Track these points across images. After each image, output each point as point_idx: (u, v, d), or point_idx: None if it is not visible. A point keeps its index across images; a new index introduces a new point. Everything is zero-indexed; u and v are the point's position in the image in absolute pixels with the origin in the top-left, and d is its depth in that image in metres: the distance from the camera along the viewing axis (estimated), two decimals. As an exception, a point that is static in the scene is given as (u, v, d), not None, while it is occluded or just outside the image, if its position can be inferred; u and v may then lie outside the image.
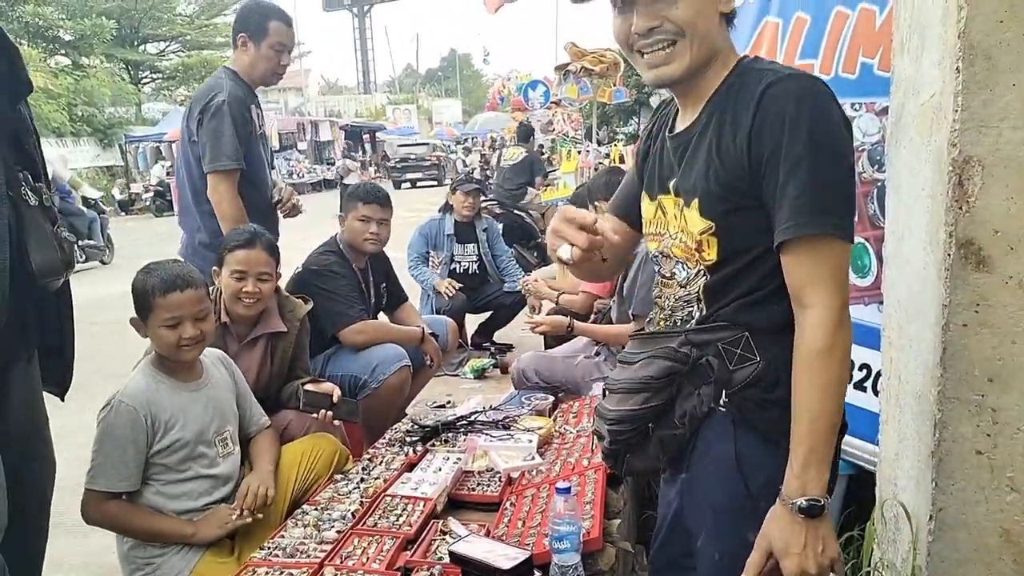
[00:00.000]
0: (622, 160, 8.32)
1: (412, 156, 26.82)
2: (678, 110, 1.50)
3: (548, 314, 4.39)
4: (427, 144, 28.59)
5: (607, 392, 1.55)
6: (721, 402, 1.39)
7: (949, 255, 1.56)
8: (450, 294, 5.10)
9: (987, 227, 1.52)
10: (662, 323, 1.53)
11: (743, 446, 1.38)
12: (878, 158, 2.33)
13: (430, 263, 5.30)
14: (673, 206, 1.46)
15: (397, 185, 25.52)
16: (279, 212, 3.47)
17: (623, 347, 1.64)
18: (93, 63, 26.33)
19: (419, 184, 26.03)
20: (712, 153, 1.36)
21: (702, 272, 1.41)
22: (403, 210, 13.58)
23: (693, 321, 1.44)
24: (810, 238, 1.26)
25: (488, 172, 16.34)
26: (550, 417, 3.02)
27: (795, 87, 1.29)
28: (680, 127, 1.47)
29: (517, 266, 5.71)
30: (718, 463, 1.41)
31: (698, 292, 1.42)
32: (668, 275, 1.50)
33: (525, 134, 10.90)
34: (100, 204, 12.53)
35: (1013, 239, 1.51)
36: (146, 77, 31.52)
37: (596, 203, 3.50)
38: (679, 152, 1.45)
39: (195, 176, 3.22)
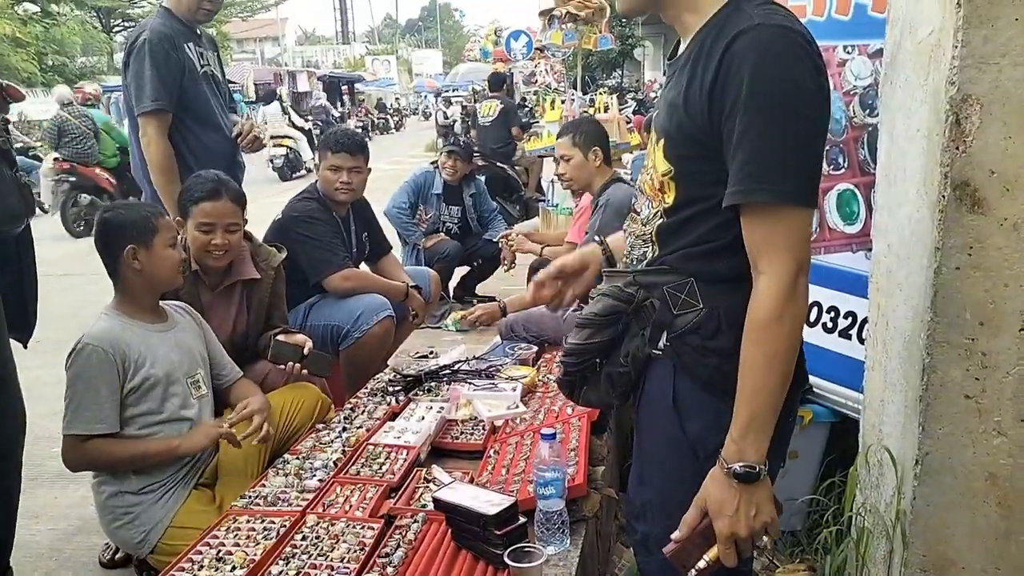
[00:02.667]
0: (606, 109, 8.19)
1: None
2: (679, 40, 1.44)
3: (532, 267, 4.36)
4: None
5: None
6: (661, 345, 1.38)
7: (943, 197, 1.53)
8: (438, 241, 5.07)
9: (983, 167, 1.49)
10: (624, 259, 1.52)
11: (681, 390, 1.37)
12: (870, 102, 2.29)
13: (417, 216, 5.23)
14: (652, 141, 1.42)
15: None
16: (240, 146, 3.35)
17: None
18: (63, 10, 25.55)
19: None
20: (679, 98, 1.31)
21: (660, 213, 1.38)
22: (383, 162, 13.42)
23: (646, 262, 1.42)
24: (760, 205, 1.21)
25: (469, 123, 16.00)
26: (534, 366, 3.01)
27: (759, 40, 1.20)
28: (677, 55, 1.41)
29: (502, 220, 5.65)
30: (658, 404, 1.41)
31: (652, 233, 1.40)
32: (637, 210, 1.49)
33: (498, 82, 10.56)
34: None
35: (1009, 180, 1.48)
36: (118, 25, 30.60)
37: (593, 149, 3.44)
38: (666, 83, 1.41)
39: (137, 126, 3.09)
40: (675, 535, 1.32)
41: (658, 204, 1.39)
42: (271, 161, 14.51)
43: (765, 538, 1.27)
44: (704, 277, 1.33)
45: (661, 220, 1.38)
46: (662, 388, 1.40)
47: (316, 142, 13.88)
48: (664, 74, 1.48)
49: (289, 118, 16.19)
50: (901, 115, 1.77)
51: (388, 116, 30.92)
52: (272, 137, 13.58)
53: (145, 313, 2.30)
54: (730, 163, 1.23)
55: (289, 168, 14.73)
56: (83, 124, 9.28)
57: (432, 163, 5.42)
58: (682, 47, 1.40)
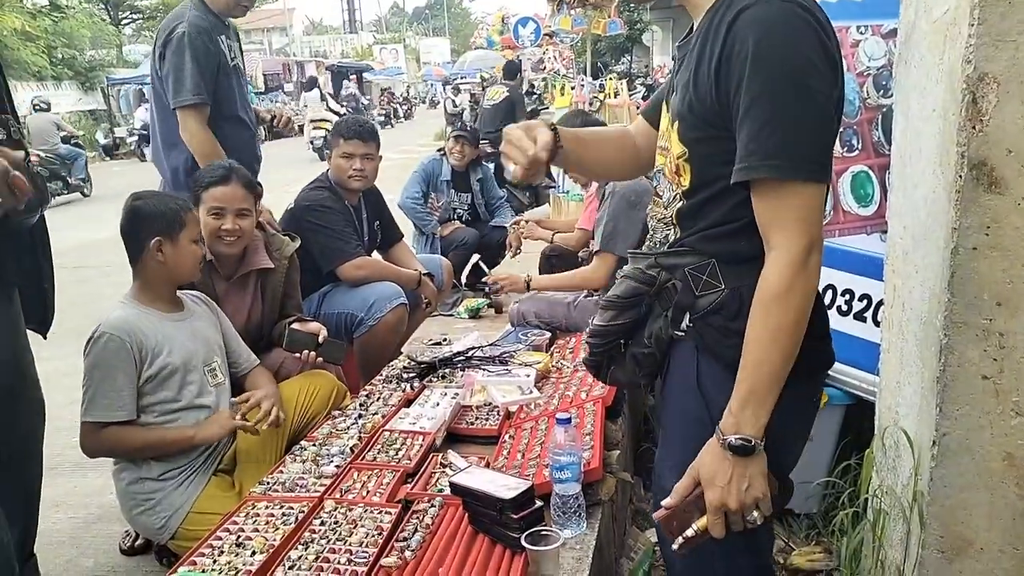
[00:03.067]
0: (616, 95, 8.15)
1: None
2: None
3: (543, 254, 4.36)
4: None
5: None
6: (683, 326, 1.38)
7: (960, 176, 1.51)
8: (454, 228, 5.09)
9: (1000, 147, 1.47)
10: (648, 242, 1.54)
11: (704, 371, 1.37)
12: (884, 83, 2.27)
13: (429, 204, 5.23)
14: (667, 123, 1.43)
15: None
16: (277, 126, 3.49)
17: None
18: (71, 3, 25.58)
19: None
20: (691, 79, 1.31)
21: (679, 196, 1.39)
22: (393, 151, 13.45)
23: (667, 245, 1.43)
24: (767, 180, 1.21)
25: (477, 111, 16.02)
26: (547, 352, 3.01)
27: (763, 14, 1.19)
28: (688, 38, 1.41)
29: (509, 207, 5.65)
30: (682, 385, 1.42)
31: (673, 216, 1.41)
32: (659, 193, 1.49)
33: (512, 71, 10.58)
34: (80, 142, 13.60)
35: (1027, 159, 1.46)
36: (126, 18, 30.59)
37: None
38: (677, 65, 1.41)
39: (166, 114, 3.09)
40: (666, 502, 1.33)
41: (676, 187, 1.39)
42: (311, 142, 15.53)
43: (755, 513, 1.27)
44: (725, 258, 1.33)
45: (680, 203, 1.38)
46: (686, 369, 1.40)
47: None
48: (673, 58, 1.48)
49: (327, 103, 17.48)
50: (916, 95, 1.76)
51: (398, 105, 30.90)
52: (311, 120, 15.19)
53: (163, 302, 2.32)
54: (738, 140, 1.22)
55: (327, 147, 15.43)
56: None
57: (439, 150, 5.42)
58: (694, 29, 1.38)
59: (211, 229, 2.60)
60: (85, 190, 12.65)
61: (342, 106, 18.97)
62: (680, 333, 1.39)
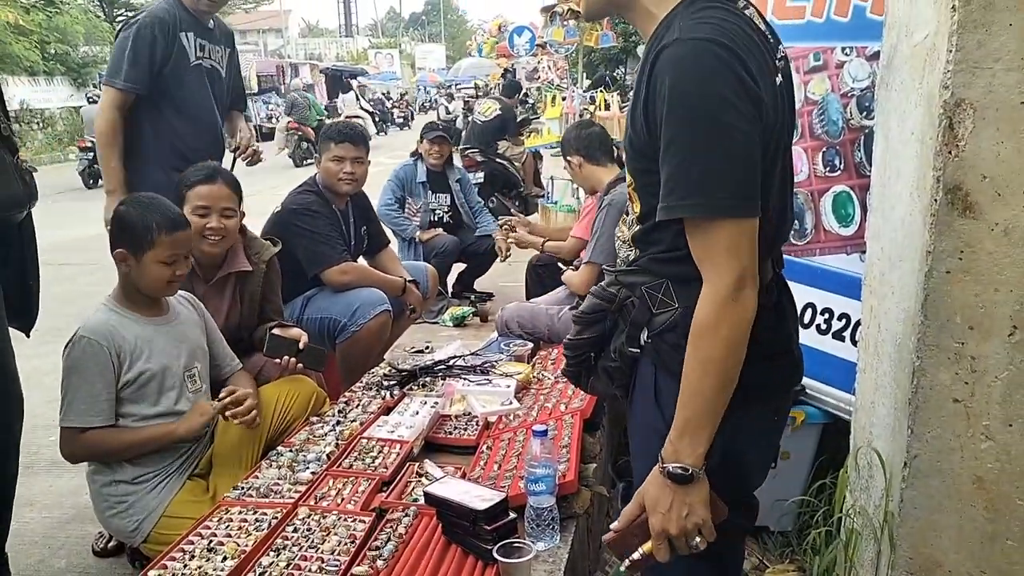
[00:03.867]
0: (607, 106, 8.18)
1: None
2: None
3: (531, 263, 4.37)
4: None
5: None
6: (641, 342, 1.41)
7: (936, 200, 1.53)
8: (435, 235, 5.08)
9: (975, 172, 1.50)
10: (617, 260, 1.56)
11: (663, 387, 1.39)
12: (867, 104, 2.29)
13: (407, 210, 5.23)
14: None
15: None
16: (239, 159, 3.39)
17: None
18: (65, -1, 25.51)
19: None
20: (629, 111, 1.35)
21: (635, 220, 1.42)
22: (384, 156, 13.44)
23: (626, 264, 1.48)
24: (691, 218, 1.23)
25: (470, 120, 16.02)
26: (529, 363, 3.02)
27: (676, 54, 1.21)
28: None
29: (490, 215, 5.65)
30: (645, 400, 1.44)
31: (631, 238, 1.45)
32: (627, 212, 1.51)
33: (512, 89, 10.55)
34: None
35: (1001, 185, 1.48)
36: (120, 14, 30.51)
37: (569, 158, 3.48)
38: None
39: None
40: (614, 525, 1.36)
41: (632, 212, 1.43)
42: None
43: (698, 539, 1.29)
44: (677, 278, 1.34)
45: (636, 227, 1.41)
46: (646, 384, 1.43)
47: (376, 124, 21.17)
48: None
49: (360, 103, 21.16)
50: (896, 118, 1.78)
51: (392, 109, 30.89)
52: (347, 116, 17.93)
53: (144, 306, 2.29)
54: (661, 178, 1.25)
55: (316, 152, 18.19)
56: (303, 101, 16.74)
57: (412, 154, 5.41)
58: None
59: (196, 228, 2.57)
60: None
61: (371, 104, 23.58)
62: (635, 350, 1.41)
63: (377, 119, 21.55)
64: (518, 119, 8.97)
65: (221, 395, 2.28)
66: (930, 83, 1.57)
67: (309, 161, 14.92)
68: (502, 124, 8.74)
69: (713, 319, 1.22)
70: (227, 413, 2.24)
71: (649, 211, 1.33)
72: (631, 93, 1.40)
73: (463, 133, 10.07)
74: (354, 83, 24.09)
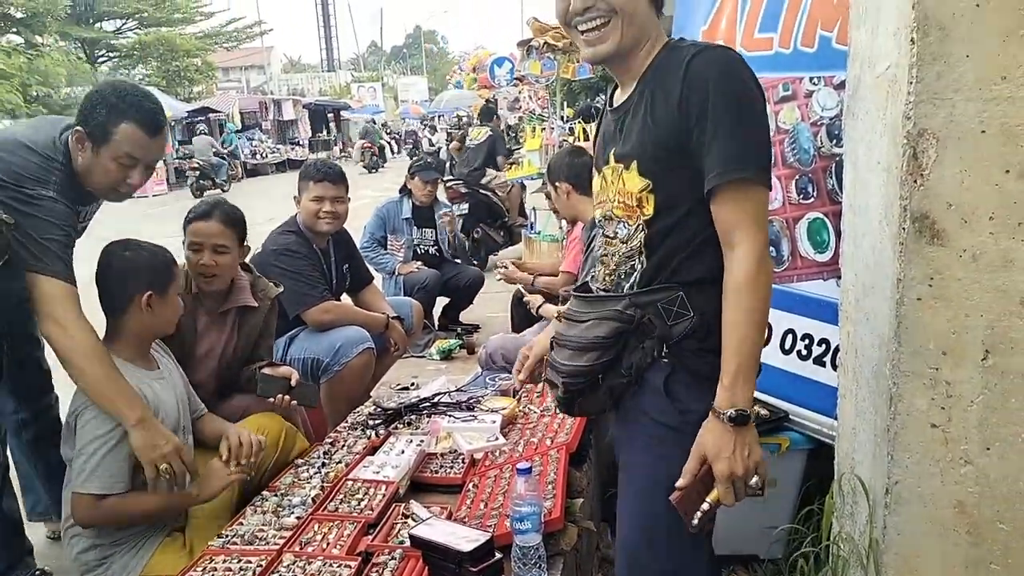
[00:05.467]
0: (586, 136, 8.24)
1: None
2: (616, 87, 1.69)
3: (515, 297, 4.37)
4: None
5: (556, 345, 1.72)
6: (662, 353, 1.56)
7: (904, 229, 1.55)
8: (414, 270, 5.09)
9: (941, 200, 1.52)
10: (606, 279, 1.68)
11: (676, 384, 1.57)
12: (836, 132, 2.32)
13: (389, 246, 5.24)
14: (611, 172, 1.63)
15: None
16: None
17: None
18: (47, 42, 25.60)
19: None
20: (647, 120, 1.53)
21: (641, 227, 1.57)
22: (370, 190, 13.44)
23: (636, 274, 1.59)
24: (735, 183, 1.44)
25: (462, 149, 16.18)
26: (514, 397, 3.01)
27: (712, 56, 1.48)
28: (618, 102, 1.65)
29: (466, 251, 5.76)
30: (653, 398, 1.60)
31: (639, 245, 1.58)
32: (612, 235, 1.66)
33: (488, 114, 10.81)
34: (224, 156, 19.50)
35: (967, 212, 1.51)
36: (102, 56, 30.68)
37: (557, 184, 3.46)
38: (618, 123, 1.63)
39: None
40: (679, 483, 1.48)
41: (636, 219, 1.58)
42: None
43: (756, 478, 1.45)
44: (692, 285, 1.54)
45: (644, 232, 1.57)
46: (655, 387, 1.59)
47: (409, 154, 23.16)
48: (600, 121, 1.78)
49: (215, 147, 19.90)
50: (863, 147, 1.81)
51: (383, 144, 31.18)
52: (198, 165, 18.06)
53: (142, 358, 2.26)
54: (707, 155, 1.45)
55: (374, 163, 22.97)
56: (372, 128, 24.74)
57: (401, 189, 5.44)
58: (620, 94, 1.64)
59: (191, 263, 2.63)
60: (224, 187, 17.98)
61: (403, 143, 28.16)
62: (663, 359, 1.56)
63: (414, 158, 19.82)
64: (506, 145, 9.13)
65: (222, 455, 2.25)
66: (893, 113, 1.59)
67: (377, 169, 22.45)
68: (492, 142, 8.89)
69: (753, 273, 1.43)
70: (240, 464, 2.23)
71: (667, 207, 1.53)
72: (640, 105, 1.56)
73: (447, 164, 10.19)
74: (203, 126, 21.36)
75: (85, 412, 2.11)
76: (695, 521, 1.47)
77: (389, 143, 27.75)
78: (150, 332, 2.28)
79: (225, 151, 20.49)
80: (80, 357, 2.09)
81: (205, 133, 20.54)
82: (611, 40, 1.54)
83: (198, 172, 17.70)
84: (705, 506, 1.46)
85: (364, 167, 22.34)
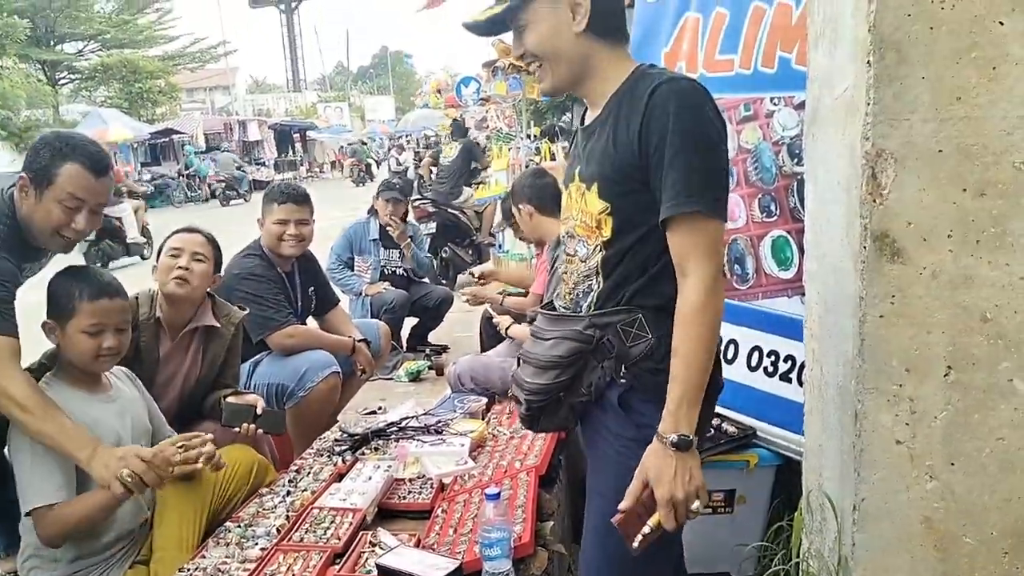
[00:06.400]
0: (552, 156, 8.30)
1: None
2: (587, 107, 1.74)
3: (484, 316, 4.35)
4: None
5: (521, 362, 1.75)
6: (621, 373, 1.60)
7: (864, 247, 1.57)
8: (382, 291, 5.06)
9: (900, 219, 1.54)
10: (567, 296, 1.72)
11: (635, 403, 1.61)
12: (797, 152, 2.35)
13: (356, 268, 5.20)
14: (576, 190, 1.68)
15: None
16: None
17: None
18: (6, 64, 25.17)
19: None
20: (609, 144, 1.57)
21: (599, 247, 1.61)
22: (339, 210, 13.40)
23: (593, 294, 1.64)
24: (688, 216, 1.48)
25: (420, 171, 16.23)
26: (483, 419, 2.99)
27: (676, 88, 1.51)
28: (588, 120, 1.70)
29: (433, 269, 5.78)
30: (614, 416, 1.64)
31: (596, 265, 1.62)
32: (571, 252, 1.71)
33: (461, 130, 10.88)
34: (245, 169, 21.71)
35: (926, 230, 1.52)
36: (64, 77, 30.22)
37: (520, 206, 3.47)
38: (586, 142, 1.68)
39: None
40: (621, 506, 1.50)
41: (595, 240, 1.62)
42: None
43: (696, 503, 1.47)
44: (649, 310, 1.57)
45: (602, 253, 1.61)
46: (613, 405, 1.63)
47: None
48: (572, 140, 1.86)
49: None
50: (823, 167, 1.83)
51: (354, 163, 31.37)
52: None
53: (87, 382, 2.22)
54: (662, 186, 1.49)
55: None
56: (361, 148, 27.22)
57: (369, 211, 5.42)
58: (590, 114, 1.67)
59: (166, 267, 2.67)
60: (247, 197, 19.90)
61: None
62: (622, 380, 1.60)
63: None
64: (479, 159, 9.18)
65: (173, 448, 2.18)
66: (852, 134, 1.61)
67: (365, 184, 23.15)
68: (468, 153, 8.93)
69: (702, 302, 1.47)
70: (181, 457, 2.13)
71: (624, 230, 1.57)
72: (604, 128, 1.60)
73: (415, 183, 10.20)
74: (227, 143, 26.11)
75: (15, 437, 2.09)
76: (635, 544, 1.48)
77: (376, 161, 29.31)
78: (77, 358, 2.19)
79: (187, 172, 21.83)
80: (18, 412, 2.06)
81: (230, 150, 25.47)
82: (547, 80, 1.65)
83: (224, 184, 21.19)
84: (646, 529, 1.47)
85: (352, 181, 25.15)
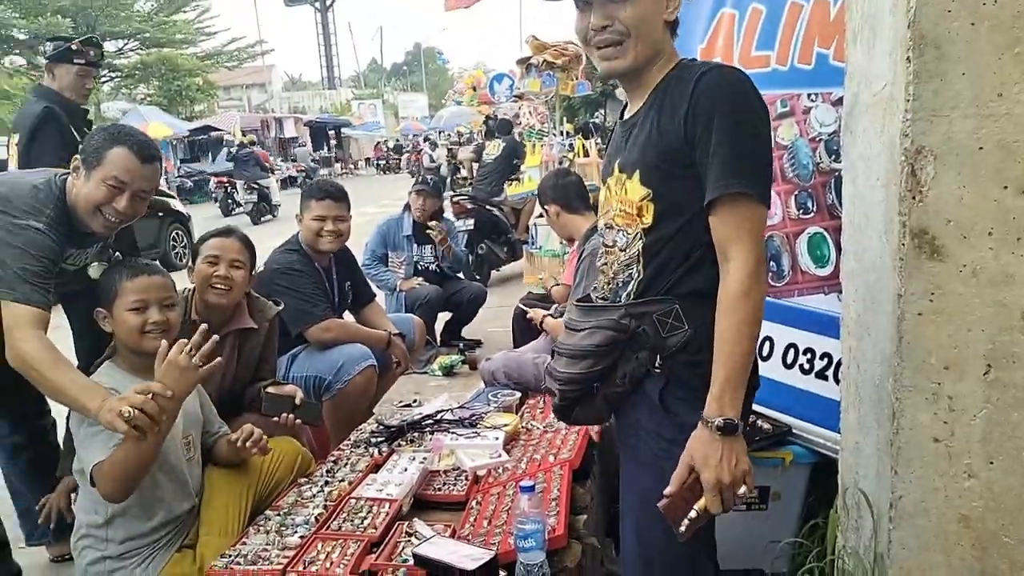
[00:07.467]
0: (585, 153, 8.28)
1: None
2: (626, 104, 1.73)
3: (516, 312, 4.36)
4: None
5: (555, 354, 1.76)
6: (656, 364, 1.60)
7: (903, 244, 1.56)
8: (417, 286, 5.10)
9: (940, 216, 1.53)
10: (605, 287, 1.73)
11: (671, 396, 1.61)
12: (835, 148, 2.34)
13: (390, 263, 5.26)
14: (615, 183, 1.69)
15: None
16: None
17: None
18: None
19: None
20: (653, 131, 1.59)
21: (639, 235, 1.62)
22: (372, 206, 13.51)
23: (633, 283, 1.64)
24: (734, 197, 1.49)
25: (455, 166, 16.36)
26: (517, 413, 3.01)
27: (723, 74, 1.56)
28: (628, 115, 1.72)
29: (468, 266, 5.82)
30: (649, 410, 1.65)
31: (637, 253, 1.63)
32: (611, 243, 1.71)
33: (505, 128, 10.89)
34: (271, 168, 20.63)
35: (965, 228, 1.51)
36: (104, 76, 30.82)
37: (547, 206, 3.51)
38: (626, 135, 1.69)
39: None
40: (666, 491, 1.51)
41: (635, 228, 1.63)
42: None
43: (743, 488, 1.47)
44: (686, 301, 1.58)
45: (642, 241, 1.62)
46: (651, 399, 1.63)
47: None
48: (609, 133, 1.91)
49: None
50: (862, 164, 1.82)
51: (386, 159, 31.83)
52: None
53: (141, 369, 2.26)
54: (708, 169, 1.50)
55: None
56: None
57: (405, 207, 5.47)
58: (631, 109, 1.70)
59: (204, 275, 2.68)
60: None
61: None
62: (656, 370, 1.60)
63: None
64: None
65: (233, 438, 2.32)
66: (891, 131, 1.61)
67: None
68: (512, 151, 8.93)
69: (745, 288, 1.47)
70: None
71: (665, 216, 1.58)
72: (648, 117, 1.63)
73: (448, 180, 10.24)
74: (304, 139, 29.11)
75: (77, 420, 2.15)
76: (682, 528, 1.48)
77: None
78: (126, 338, 2.25)
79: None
80: (33, 372, 2.15)
81: (303, 145, 29.49)
82: (624, 57, 1.62)
83: (304, 173, 24.44)
84: (693, 514, 1.47)
85: (380, 170, 29.32)
